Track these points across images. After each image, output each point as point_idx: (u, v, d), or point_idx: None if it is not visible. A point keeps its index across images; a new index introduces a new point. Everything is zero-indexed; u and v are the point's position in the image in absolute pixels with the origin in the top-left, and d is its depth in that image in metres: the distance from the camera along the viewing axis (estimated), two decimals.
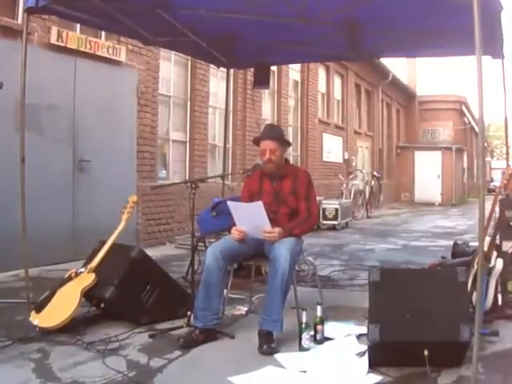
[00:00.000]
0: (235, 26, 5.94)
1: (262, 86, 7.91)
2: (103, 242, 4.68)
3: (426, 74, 29.20)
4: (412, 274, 4.17)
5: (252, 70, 8.21)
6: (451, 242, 7.07)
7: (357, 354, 3.78)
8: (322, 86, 17.17)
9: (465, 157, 29.46)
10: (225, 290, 4.37)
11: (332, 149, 17.66)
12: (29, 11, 4.64)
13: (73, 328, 4.14)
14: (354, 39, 5.99)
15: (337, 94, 18.56)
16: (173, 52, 9.73)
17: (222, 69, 8.17)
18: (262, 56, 7.04)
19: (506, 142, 7.72)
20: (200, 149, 10.87)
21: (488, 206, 4.13)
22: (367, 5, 5.05)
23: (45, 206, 6.95)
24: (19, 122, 4.78)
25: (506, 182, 4.65)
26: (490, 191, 12.13)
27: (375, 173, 19.66)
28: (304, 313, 3.94)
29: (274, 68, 12.79)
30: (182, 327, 4.25)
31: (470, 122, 31.46)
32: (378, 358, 3.51)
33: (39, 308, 4.24)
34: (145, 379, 3.40)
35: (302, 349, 3.88)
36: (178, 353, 3.86)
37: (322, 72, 17.12)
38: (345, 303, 5.26)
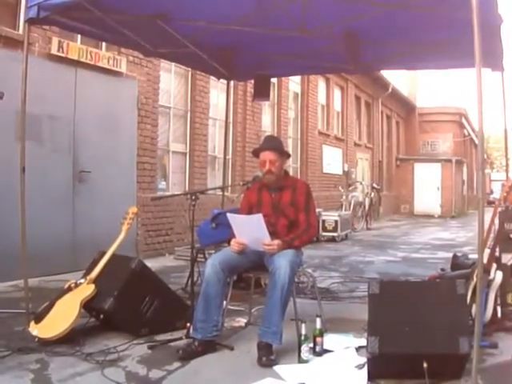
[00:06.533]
0: (236, 38, 5.97)
1: (262, 97, 7.95)
2: (103, 253, 4.68)
3: (426, 85, 29.29)
4: (411, 286, 4.17)
5: (252, 81, 8.24)
6: (450, 254, 7.02)
7: (356, 367, 3.77)
8: (321, 98, 17.21)
9: (464, 169, 29.49)
10: (224, 302, 4.35)
11: (332, 160, 17.67)
12: (30, 22, 4.65)
13: (72, 339, 4.13)
14: (353, 52, 6.02)
15: (337, 105, 18.59)
16: (173, 63, 9.74)
17: (222, 80, 8.19)
18: (262, 68, 7.07)
19: (506, 154, 7.72)
20: (200, 160, 10.88)
21: (488, 218, 4.13)
22: (367, 18, 5.08)
23: (45, 216, 6.94)
24: (20, 132, 4.80)
25: (505, 194, 4.66)
26: (490, 203, 12.10)
27: (375, 185, 19.63)
28: (303, 325, 3.93)
29: (274, 80, 12.82)
30: (181, 339, 4.25)
31: (469, 134, 31.49)
32: (377, 371, 3.50)
33: (38, 318, 4.23)
34: None
35: (301, 361, 3.87)
36: (177, 364, 3.85)
37: (321, 84, 17.16)
38: (344, 315, 5.25)
